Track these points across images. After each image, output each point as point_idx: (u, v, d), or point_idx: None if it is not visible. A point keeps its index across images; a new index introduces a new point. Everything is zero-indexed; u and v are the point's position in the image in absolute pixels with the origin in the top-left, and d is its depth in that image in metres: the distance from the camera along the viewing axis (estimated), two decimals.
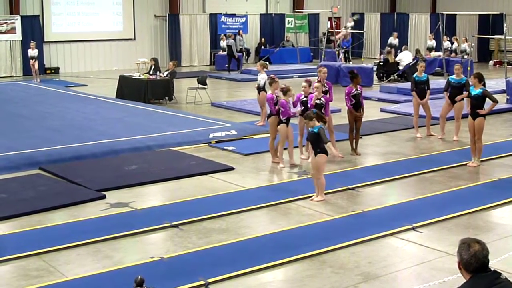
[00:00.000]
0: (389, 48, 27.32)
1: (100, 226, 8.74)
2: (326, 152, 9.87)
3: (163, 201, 10.05)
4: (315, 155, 9.91)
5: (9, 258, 7.60)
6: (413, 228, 8.64)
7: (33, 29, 27.40)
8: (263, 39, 33.65)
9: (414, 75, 14.73)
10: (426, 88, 14.50)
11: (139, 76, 20.82)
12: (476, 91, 11.90)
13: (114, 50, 29.86)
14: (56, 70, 28.40)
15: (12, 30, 26.97)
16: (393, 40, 29.48)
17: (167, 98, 20.13)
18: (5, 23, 26.87)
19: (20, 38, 27.14)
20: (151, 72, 20.60)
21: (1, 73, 26.95)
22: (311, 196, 9.99)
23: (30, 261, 7.58)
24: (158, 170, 11.63)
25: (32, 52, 24.35)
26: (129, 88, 20.50)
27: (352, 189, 10.52)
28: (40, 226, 8.75)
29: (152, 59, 21.65)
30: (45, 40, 28.08)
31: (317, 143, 9.82)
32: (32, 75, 25.03)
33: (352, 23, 30.55)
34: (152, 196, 10.43)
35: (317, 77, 13.23)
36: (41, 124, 15.78)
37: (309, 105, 11.96)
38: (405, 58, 25.61)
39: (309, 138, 10.17)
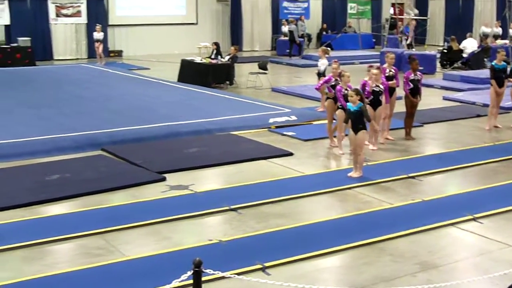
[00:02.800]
0: (484, 37, 26.73)
1: (159, 207, 8.86)
2: (366, 129, 10.36)
3: (222, 185, 10.12)
4: (356, 132, 10.18)
5: (72, 236, 7.77)
6: (474, 219, 8.49)
7: (97, 13, 27.86)
8: (324, 24, 33.44)
9: (493, 63, 14.20)
10: (504, 76, 14.07)
11: (201, 60, 20.95)
12: None
13: (176, 34, 30.02)
14: (119, 53, 28.81)
15: (77, 14, 27.52)
16: (485, 28, 28.91)
17: (228, 82, 20.23)
18: (71, 6, 27.40)
19: (85, 22, 27.66)
20: (212, 57, 20.72)
21: (67, 56, 27.50)
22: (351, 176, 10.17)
23: (92, 240, 7.75)
24: (217, 153, 11.71)
25: (98, 35, 24.74)
26: (190, 72, 20.62)
27: (413, 177, 10.39)
28: (102, 206, 8.92)
29: (213, 44, 21.78)
30: (109, 23, 28.47)
31: (360, 120, 10.14)
32: (96, 58, 25.49)
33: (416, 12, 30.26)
34: (211, 179, 10.52)
35: (379, 63, 13.09)
36: (104, 106, 16.04)
37: (365, 93, 11.85)
38: (469, 45, 25.07)
39: (349, 116, 10.29)
